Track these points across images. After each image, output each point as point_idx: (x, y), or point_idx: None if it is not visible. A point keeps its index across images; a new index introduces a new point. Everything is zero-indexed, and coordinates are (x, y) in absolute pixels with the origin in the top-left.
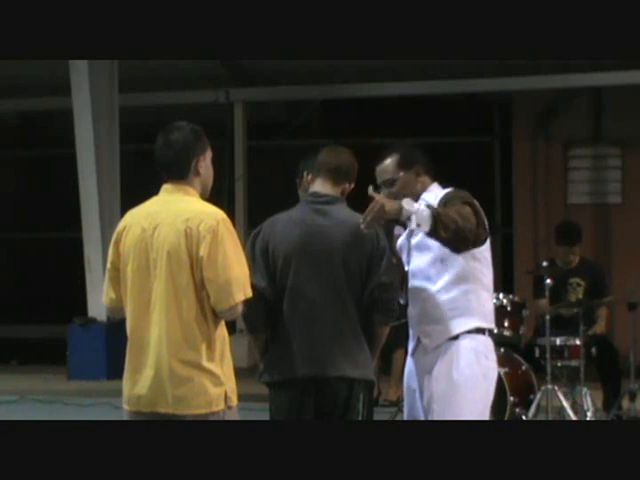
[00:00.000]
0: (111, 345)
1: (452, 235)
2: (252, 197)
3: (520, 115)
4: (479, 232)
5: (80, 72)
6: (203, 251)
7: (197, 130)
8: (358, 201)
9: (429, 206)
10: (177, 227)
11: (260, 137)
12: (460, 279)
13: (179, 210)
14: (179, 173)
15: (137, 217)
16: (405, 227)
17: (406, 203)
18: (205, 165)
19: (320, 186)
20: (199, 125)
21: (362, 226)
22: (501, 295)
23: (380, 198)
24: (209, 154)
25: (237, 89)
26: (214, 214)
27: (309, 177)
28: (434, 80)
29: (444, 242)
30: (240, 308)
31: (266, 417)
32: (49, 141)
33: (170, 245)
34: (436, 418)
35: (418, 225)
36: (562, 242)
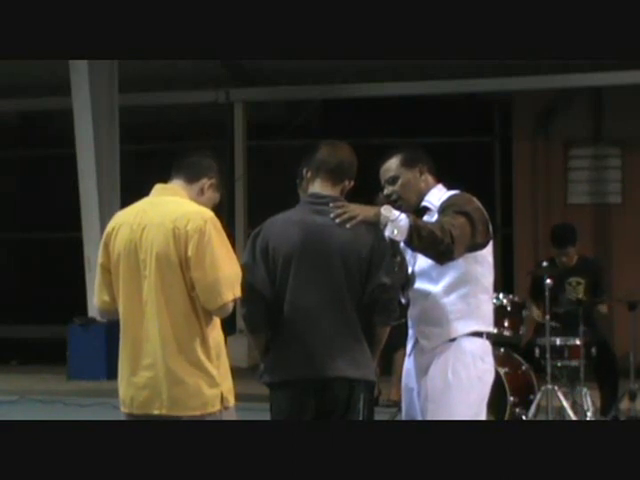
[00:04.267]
0: (111, 345)
1: (427, 247)
2: (252, 197)
3: (520, 115)
4: (474, 240)
5: (80, 72)
6: (191, 251)
7: (218, 170)
8: (358, 200)
9: (409, 216)
10: (165, 227)
11: (260, 137)
12: (461, 281)
13: (167, 210)
14: (186, 174)
15: (126, 218)
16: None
17: (385, 209)
18: (210, 193)
19: (319, 187)
20: (199, 125)
21: (336, 220)
22: (501, 295)
23: (357, 205)
24: (216, 192)
25: (237, 89)
26: (201, 214)
27: (308, 174)
28: (434, 80)
29: (421, 253)
30: (230, 307)
31: (266, 417)
32: (49, 141)
33: (159, 245)
34: (430, 418)
35: (394, 233)
36: (553, 245)
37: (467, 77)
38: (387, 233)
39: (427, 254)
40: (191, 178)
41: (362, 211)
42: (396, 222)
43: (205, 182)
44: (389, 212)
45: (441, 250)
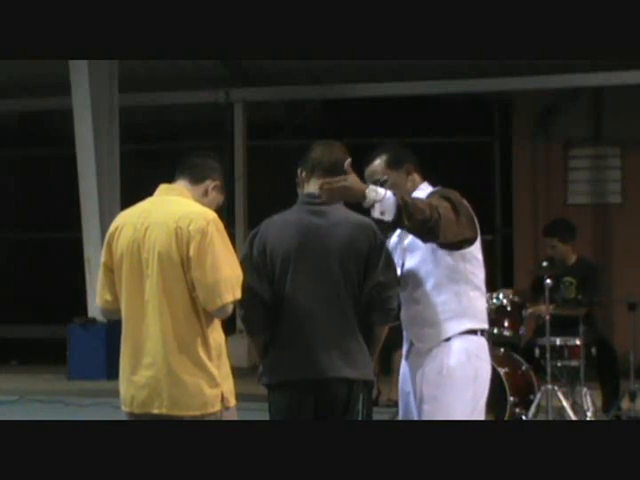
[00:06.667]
0: (111, 345)
1: (417, 225)
2: (252, 197)
3: (520, 115)
4: (461, 230)
5: (80, 72)
6: (192, 251)
7: (222, 171)
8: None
9: (395, 194)
10: (168, 227)
11: (260, 137)
12: (450, 281)
13: (170, 210)
14: (190, 175)
15: (129, 217)
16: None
17: (370, 191)
18: (214, 194)
19: (316, 187)
20: (199, 125)
21: (317, 192)
22: (501, 295)
23: (348, 178)
24: (220, 193)
25: (237, 89)
26: (204, 214)
27: (303, 174)
28: (434, 80)
29: (410, 231)
30: (230, 308)
31: (266, 417)
32: (49, 141)
33: (161, 245)
34: (426, 419)
35: (382, 213)
36: (543, 234)
37: (467, 77)
38: (375, 214)
39: (415, 232)
40: (195, 179)
41: (347, 189)
42: (383, 202)
43: (209, 183)
44: (375, 193)
45: (429, 227)
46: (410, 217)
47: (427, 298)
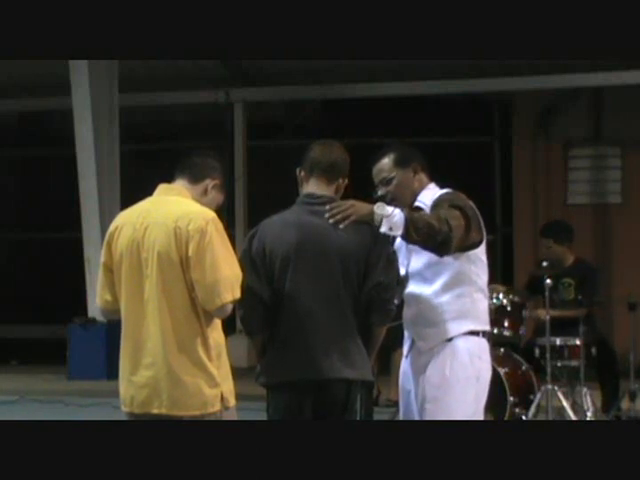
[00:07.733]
0: (111, 345)
1: (426, 238)
2: (252, 197)
3: (520, 115)
4: (470, 235)
5: (80, 72)
6: (191, 251)
7: (222, 170)
8: (355, 199)
9: (403, 210)
10: (167, 227)
11: (260, 137)
12: (455, 281)
13: (170, 210)
14: (190, 175)
15: (129, 217)
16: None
17: (378, 207)
18: (213, 193)
19: (315, 187)
20: (199, 125)
21: (330, 221)
22: (501, 295)
23: (352, 203)
24: (220, 193)
25: (237, 89)
26: (203, 214)
27: (302, 174)
28: (434, 80)
29: (420, 245)
30: (229, 308)
31: (265, 417)
32: (49, 141)
33: (160, 245)
34: (428, 418)
35: (390, 229)
36: (539, 235)
37: (467, 77)
38: (383, 230)
39: (426, 246)
40: (195, 178)
41: (355, 210)
42: (391, 218)
43: (209, 182)
44: (382, 209)
45: (439, 240)
46: (418, 232)
47: (430, 298)
